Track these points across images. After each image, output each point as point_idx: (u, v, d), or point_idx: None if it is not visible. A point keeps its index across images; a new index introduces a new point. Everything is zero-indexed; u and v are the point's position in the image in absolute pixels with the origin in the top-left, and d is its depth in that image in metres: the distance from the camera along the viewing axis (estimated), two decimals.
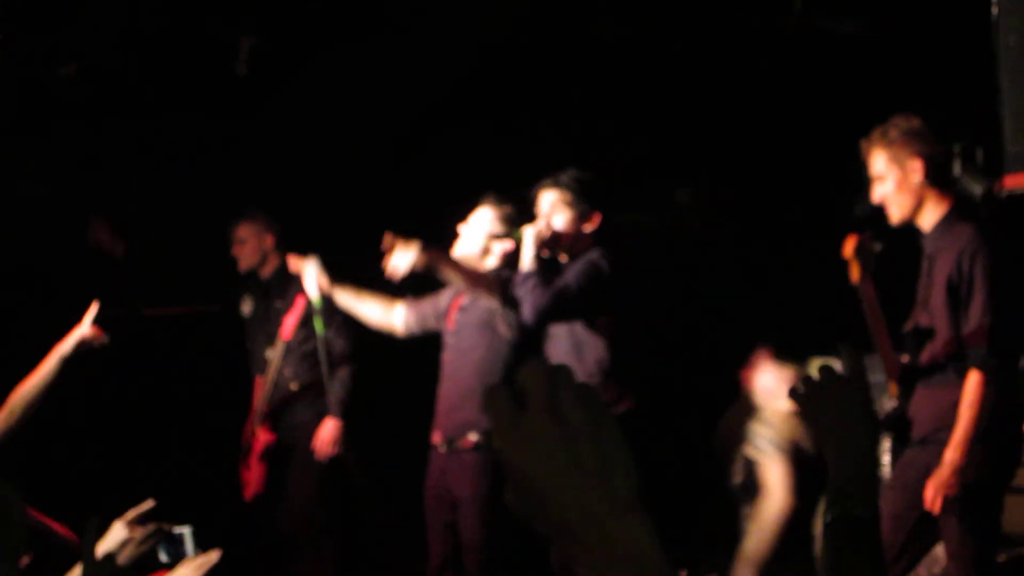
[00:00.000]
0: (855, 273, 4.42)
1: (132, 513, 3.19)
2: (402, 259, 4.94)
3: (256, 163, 5.93)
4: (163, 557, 3.16)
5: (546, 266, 4.97)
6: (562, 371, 1.24)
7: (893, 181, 4.36)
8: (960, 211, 4.39)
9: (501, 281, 5.15)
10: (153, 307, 6.68)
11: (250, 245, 6.10)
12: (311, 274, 5.41)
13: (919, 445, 4.26)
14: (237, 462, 6.19)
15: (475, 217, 5.34)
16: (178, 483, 5.86)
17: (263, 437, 6.02)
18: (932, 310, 4.32)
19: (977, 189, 5.56)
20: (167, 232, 6.46)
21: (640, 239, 6.33)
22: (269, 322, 6.18)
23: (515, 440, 1.21)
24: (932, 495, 4.13)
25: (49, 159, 6.37)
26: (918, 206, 4.37)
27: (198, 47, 5.99)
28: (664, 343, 5.92)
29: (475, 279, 5.17)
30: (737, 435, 5.93)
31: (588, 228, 5.04)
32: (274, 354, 5.94)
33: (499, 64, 5.84)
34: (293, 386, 5.99)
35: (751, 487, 5.90)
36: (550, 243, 5.00)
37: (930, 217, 4.37)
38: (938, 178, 4.38)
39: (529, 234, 4.93)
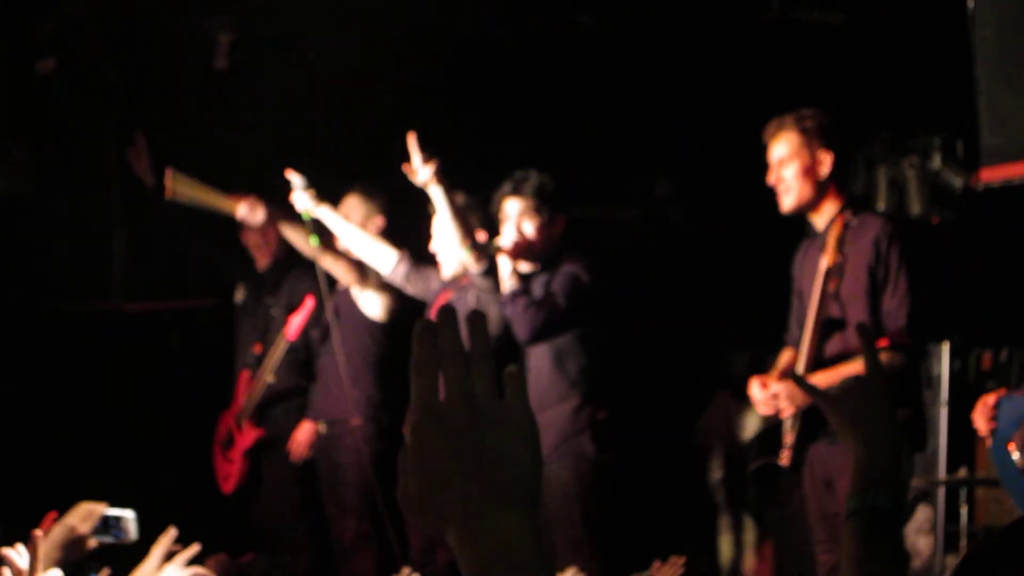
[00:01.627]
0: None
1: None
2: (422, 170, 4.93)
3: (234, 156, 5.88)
4: (106, 539, 3.16)
5: (526, 281, 5.00)
6: (483, 356, 1.22)
7: (797, 168, 4.40)
8: (856, 206, 4.47)
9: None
10: (137, 302, 6.66)
11: (253, 232, 6.00)
12: (299, 186, 5.35)
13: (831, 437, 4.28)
14: (212, 454, 6.19)
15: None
16: (157, 476, 5.85)
17: (250, 433, 5.99)
18: (846, 300, 4.36)
19: (957, 182, 5.57)
20: (155, 226, 6.45)
21: (619, 233, 6.33)
22: (257, 317, 6.16)
23: (426, 427, 1.20)
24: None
25: (30, 155, 6.36)
26: (815, 199, 4.42)
27: (177, 41, 5.97)
28: (644, 339, 5.92)
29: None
30: (716, 432, 5.94)
31: (556, 232, 5.07)
32: (274, 352, 5.88)
33: (472, 57, 5.83)
34: (275, 382, 5.96)
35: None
36: (524, 253, 5.02)
37: (826, 213, 4.42)
38: (840, 176, 4.43)
39: (502, 245, 4.97)
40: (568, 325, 4.94)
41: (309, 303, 5.77)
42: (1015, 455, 3.86)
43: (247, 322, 6.22)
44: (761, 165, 4.58)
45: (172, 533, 3.17)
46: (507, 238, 5.00)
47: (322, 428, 5.80)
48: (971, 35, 4.28)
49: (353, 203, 5.80)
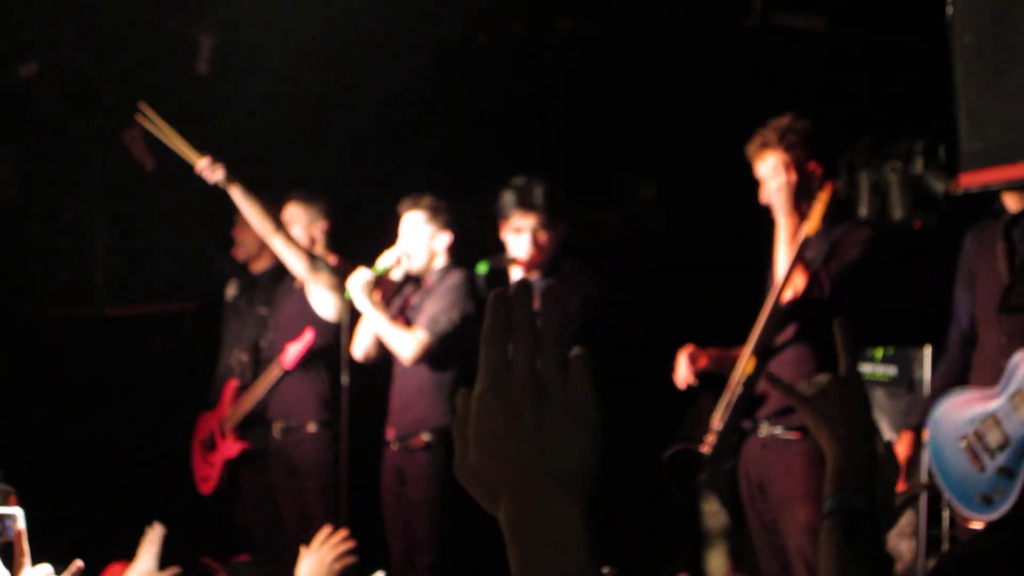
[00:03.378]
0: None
1: None
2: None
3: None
4: None
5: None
6: (555, 334, 1.20)
7: (789, 187, 4.37)
8: (850, 212, 4.49)
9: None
10: (120, 306, 6.65)
11: (252, 233, 5.94)
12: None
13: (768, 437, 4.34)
14: (191, 452, 6.17)
15: (407, 226, 5.31)
16: (139, 479, 5.84)
17: (235, 445, 5.96)
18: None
19: (939, 186, 5.57)
20: (139, 230, 6.44)
21: (604, 237, 6.33)
22: (245, 325, 6.12)
23: (489, 399, 1.18)
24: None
25: (13, 160, 6.35)
26: (808, 205, 4.40)
27: (159, 46, 5.96)
28: (631, 342, 5.91)
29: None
30: (701, 432, 5.93)
31: (560, 237, 5.11)
32: (267, 376, 5.85)
33: (454, 62, 5.82)
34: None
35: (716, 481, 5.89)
36: (536, 265, 5.06)
37: (816, 212, 4.43)
38: (829, 175, 4.43)
39: (516, 259, 5.02)
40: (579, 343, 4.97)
41: (308, 335, 5.75)
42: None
43: (236, 321, 6.19)
44: (744, 167, 4.61)
45: (159, 530, 3.17)
46: (520, 251, 5.04)
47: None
48: (950, 40, 4.28)
49: (294, 210, 5.84)
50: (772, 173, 4.38)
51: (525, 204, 5.04)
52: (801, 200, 4.36)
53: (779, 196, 4.36)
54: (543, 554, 1.14)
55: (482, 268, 5.18)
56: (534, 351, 1.19)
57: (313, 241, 5.91)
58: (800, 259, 4.29)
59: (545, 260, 5.09)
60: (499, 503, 1.17)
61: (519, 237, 5.05)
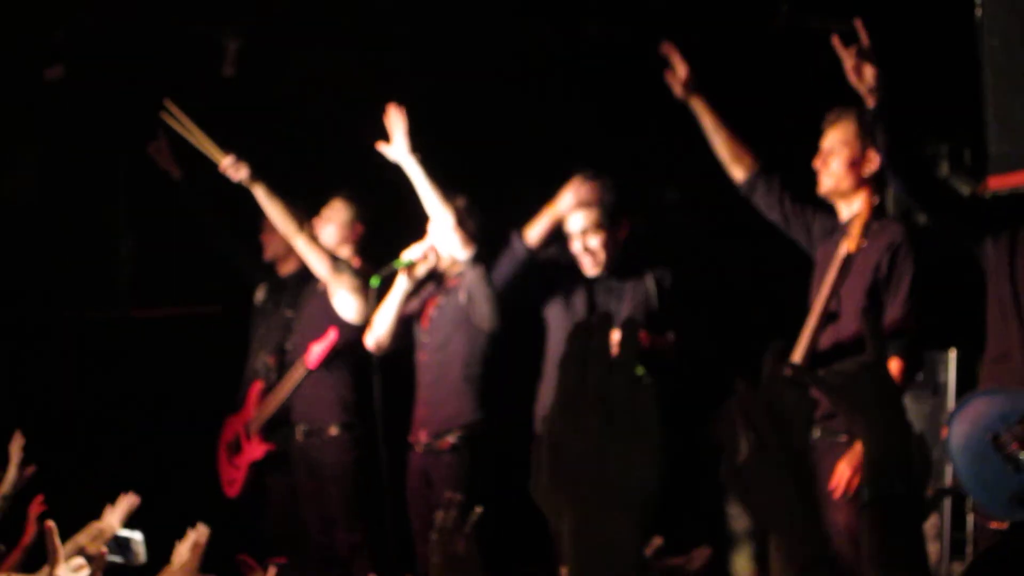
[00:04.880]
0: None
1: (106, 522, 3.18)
2: None
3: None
4: (115, 559, 3.18)
5: None
6: (627, 364, 1.27)
7: (845, 157, 4.45)
8: (882, 212, 4.57)
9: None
10: (145, 308, 6.68)
11: (278, 236, 5.97)
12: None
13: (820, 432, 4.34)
14: (216, 455, 6.18)
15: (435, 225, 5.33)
16: (166, 482, 5.85)
17: (260, 447, 5.97)
18: (844, 294, 4.39)
19: (965, 190, 5.55)
20: (163, 232, 6.46)
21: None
22: (271, 328, 6.13)
23: (562, 421, 1.26)
24: (849, 475, 4.19)
25: (39, 162, 6.38)
26: (851, 191, 4.46)
27: (185, 49, 5.98)
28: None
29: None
30: (733, 429, 5.88)
31: (621, 237, 5.16)
32: (291, 377, 5.87)
33: (477, 66, 5.83)
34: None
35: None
36: (602, 264, 5.10)
37: (853, 208, 4.46)
38: (879, 180, 4.46)
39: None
40: None
41: (332, 335, 5.76)
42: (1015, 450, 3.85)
43: (263, 324, 6.20)
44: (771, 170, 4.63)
45: (204, 530, 3.20)
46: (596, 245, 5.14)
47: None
48: (979, 43, 4.28)
49: (338, 206, 5.85)
50: (835, 142, 4.45)
51: (589, 202, 5.09)
52: (848, 175, 4.43)
53: (831, 164, 4.43)
54: (597, 562, 1.22)
55: (375, 281, 5.35)
56: (607, 378, 1.25)
57: (346, 240, 5.90)
58: (841, 280, 4.35)
59: (610, 259, 5.11)
60: (563, 519, 1.24)
61: (575, 241, 5.10)
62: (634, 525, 1.23)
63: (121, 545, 3.17)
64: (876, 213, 4.53)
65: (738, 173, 4.81)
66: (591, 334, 1.27)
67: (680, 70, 4.78)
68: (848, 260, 4.37)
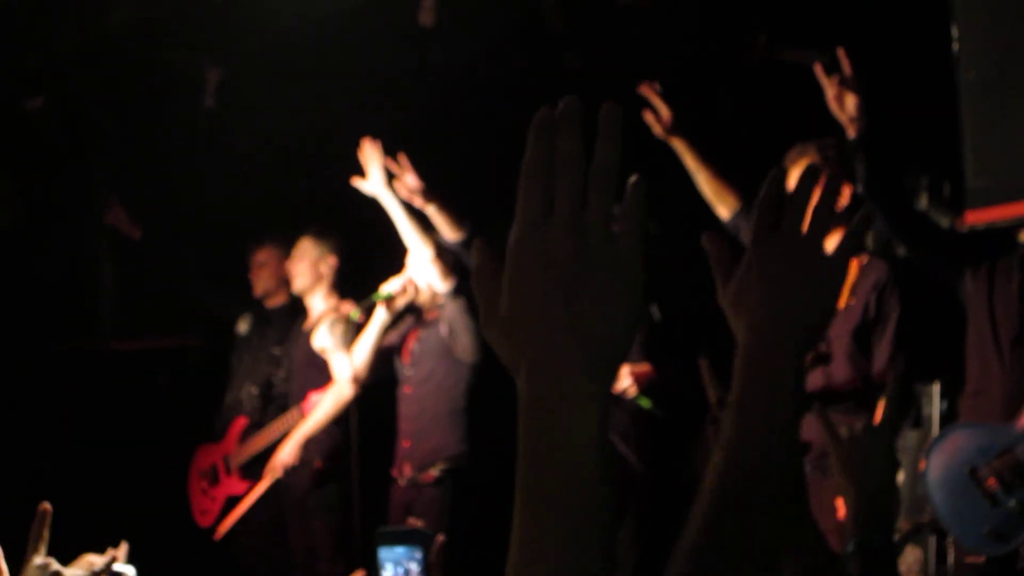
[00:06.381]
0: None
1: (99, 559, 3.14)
2: None
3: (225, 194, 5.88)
4: None
5: None
6: (607, 170, 1.04)
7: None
8: (861, 246, 4.51)
9: None
10: (126, 340, 6.65)
11: (268, 269, 5.96)
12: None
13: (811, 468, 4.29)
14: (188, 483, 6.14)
15: (414, 259, 5.30)
16: (143, 514, 5.81)
17: (241, 484, 5.92)
18: (834, 339, 4.36)
19: (944, 223, 5.54)
20: (144, 264, 6.44)
21: None
22: (257, 361, 6.08)
23: (524, 248, 1.03)
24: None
25: (18, 192, 6.36)
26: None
27: (165, 79, 5.98)
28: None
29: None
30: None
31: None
32: (286, 421, 5.80)
33: (459, 98, 5.83)
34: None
35: None
36: None
37: (834, 243, 4.43)
38: (854, 210, 4.43)
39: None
40: None
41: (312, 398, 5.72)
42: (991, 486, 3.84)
43: (248, 356, 6.15)
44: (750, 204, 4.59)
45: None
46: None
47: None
48: (956, 77, 4.27)
49: (306, 245, 5.80)
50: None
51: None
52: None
53: None
54: (553, 431, 1.01)
55: (354, 315, 5.34)
56: (579, 191, 1.03)
57: (320, 277, 5.86)
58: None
59: None
60: (519, 364, 1.03)
61: None
62: (601, 385, 1.02)
63: None
64: (856, 248, 4.51)
65: (723, 211, 4.77)
66: (557, 133, 1.03)
67: (663, 112, 4.73)
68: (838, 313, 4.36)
